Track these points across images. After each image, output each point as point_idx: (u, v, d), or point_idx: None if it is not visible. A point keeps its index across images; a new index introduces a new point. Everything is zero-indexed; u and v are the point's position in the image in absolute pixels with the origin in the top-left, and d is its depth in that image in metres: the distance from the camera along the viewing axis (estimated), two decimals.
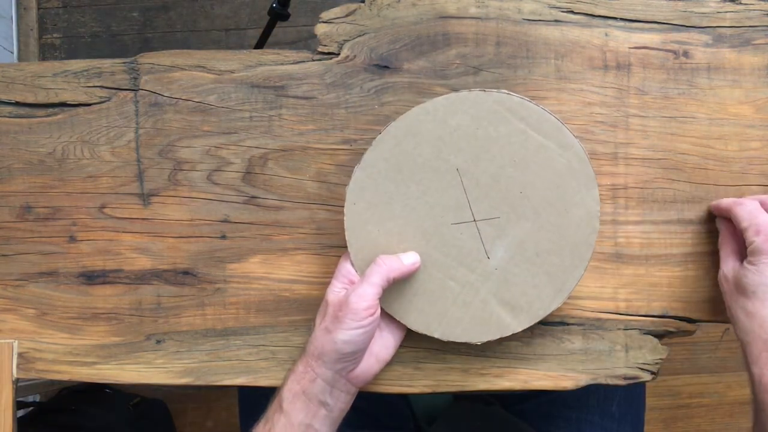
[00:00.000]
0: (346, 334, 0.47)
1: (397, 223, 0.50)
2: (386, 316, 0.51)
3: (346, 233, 0.50)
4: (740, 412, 1.29)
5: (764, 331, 0.48)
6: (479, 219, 0.49)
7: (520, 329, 0.50)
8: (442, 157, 0.49)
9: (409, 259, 0.50)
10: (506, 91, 0.49)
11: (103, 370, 0.55)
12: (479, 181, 0.49)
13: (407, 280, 0.50)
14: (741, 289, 0.49)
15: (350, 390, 0.50)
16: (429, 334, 0.51)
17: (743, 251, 0.51)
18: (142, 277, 0.55)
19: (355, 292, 0.47)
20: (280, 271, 0.55)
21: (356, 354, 0.48)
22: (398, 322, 0.51)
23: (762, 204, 0.51)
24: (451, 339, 0.51)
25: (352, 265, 0.50)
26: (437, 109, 0.49)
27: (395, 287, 0.50)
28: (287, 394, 0.48)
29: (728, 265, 0.52)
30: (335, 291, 0.49)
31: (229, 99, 0.54)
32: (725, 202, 0.53)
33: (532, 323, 0.50)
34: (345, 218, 0.50)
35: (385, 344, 0.52)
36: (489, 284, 0.50)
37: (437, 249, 0.50)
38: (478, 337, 0.51)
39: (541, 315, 0.50)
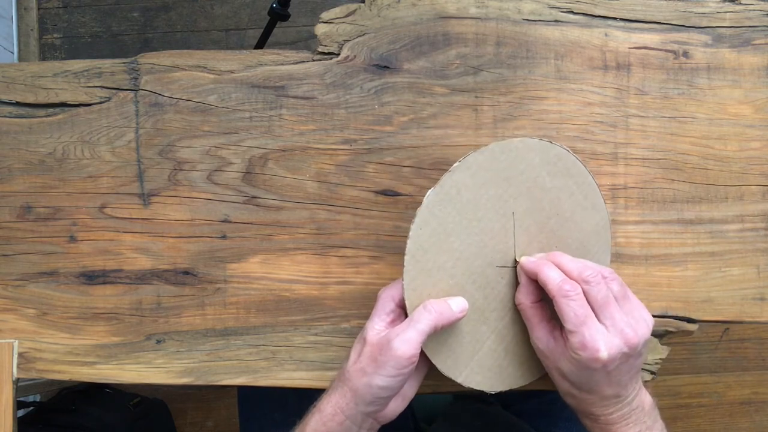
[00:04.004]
0: (385, 381, 0.45)
1: (452, 256, 0.48)
2: None
3: (406, 257, 0.47)
4: (740, 412, 1.29)
5: (592, 408, 0.47)
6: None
7: (525, 383, 0.51)
8: (503, 198, 0.49)
9: (458, 306, 0.47)
10: (567, 148, 0.49)
11: (103, 370, 0.55)
12: (527, 228, 0.49)
13: None
14: (567, 379, 0.47)
15: (374, 427, 0.49)
16: (453, 378, 0.50)
17: (555, 315, 0.47)
18: (142, 277, 0.55)
19: (400, 337, 0.45)
20: (280, 271, 0.55)
21: (390, 398, 0.47)
22: (423, 358, 0.49)
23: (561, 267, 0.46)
24: (471, 386, 0.50)
25: (402, 292, 0.48)
26: (511, 149, 0.48)
27: None
28: None
29: (542, 341, 0.47)
30: (376, 329, 0.47)
31: (229, 99, 0.55)
32: (532, 266, 0.47)
33: (537, 377, 0.52)
34: (409, 241, 0.47)
35: (410, 384, 0.50)
36: (512, 334, 0.50)
37: (480, 290, 0.49)
38: (492, 387, 0.51)
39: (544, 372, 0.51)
